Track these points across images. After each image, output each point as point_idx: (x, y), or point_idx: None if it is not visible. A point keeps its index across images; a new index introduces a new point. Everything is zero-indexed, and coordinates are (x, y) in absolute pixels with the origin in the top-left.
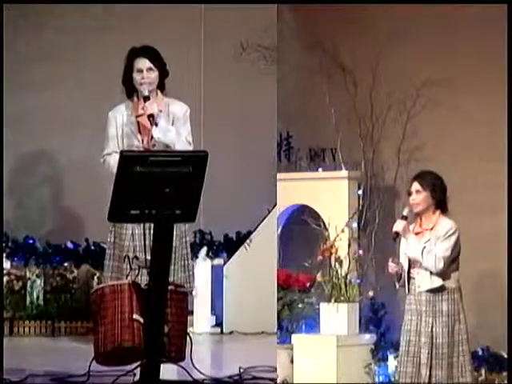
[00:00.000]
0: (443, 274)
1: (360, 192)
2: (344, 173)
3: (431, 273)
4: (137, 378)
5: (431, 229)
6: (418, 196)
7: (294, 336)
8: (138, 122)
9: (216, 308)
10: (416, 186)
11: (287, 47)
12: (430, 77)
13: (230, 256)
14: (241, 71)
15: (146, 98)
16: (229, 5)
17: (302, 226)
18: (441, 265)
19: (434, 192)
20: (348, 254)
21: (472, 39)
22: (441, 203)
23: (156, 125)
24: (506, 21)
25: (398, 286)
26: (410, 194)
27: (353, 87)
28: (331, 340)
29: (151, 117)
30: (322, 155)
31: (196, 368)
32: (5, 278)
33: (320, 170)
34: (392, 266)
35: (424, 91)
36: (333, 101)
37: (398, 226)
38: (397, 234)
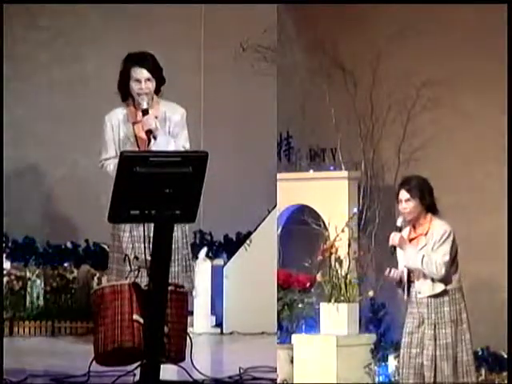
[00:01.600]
0: (445, 279)
1: (360, 192)
2: (344, 173)
3: (432, 279)
4: (137, 378)
5: (426, 233)
6: (408, 204)
7: (293, 336)
8: (136, 136)
9: (216, 308)
10: (404, 194)
11: (287, 47)
12: (429, 77)
13: (230, 256)
14: (241, 71)
15: (145, 112)
16: (229, 5)
17: (302, 226)
18: (442, 271)
19: (423, 198)
20: (348, 253)
21: (472, 39)
22: (431, 207)
23: (155, 138)
24: (506, 21)
25: (400, 291)
26: (398, 201)
27: (353, 87)
28: (331, 340)
29: (149, 132)
30: (322, 155)
31: (196, 368)
32: (5, 278)
33: (320, 170)
34: (392, 277)
35: (424, 91)
36: (333, 101)
37: (394, 238)
38: (394, 247)
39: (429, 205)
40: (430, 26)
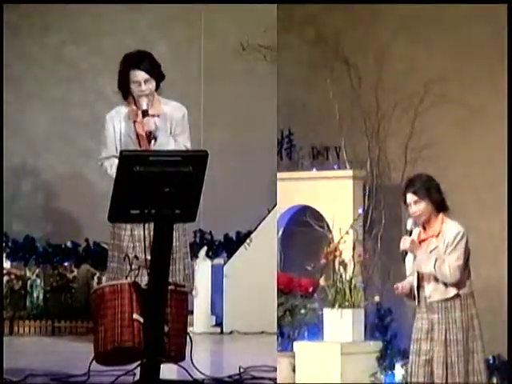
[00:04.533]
0: (458, 284)
1: (365, 192)
2: (349, 172)
3: (445, 284)
4: (137, 377)
5: (437, 235)
6: (418, 206)
7: (295, 343)
8: (137, 134)
9: (216, 308)
10: (412, 196)
11: (289, 41)
12: (438, 72)
13: (230, 256)
14: (241, 71)
15: (145, 113)
16: (229, 5)
17: (305, 228)
18: (457, 275)
19: (431, 197)
20: (353, 257)
21: (482, 33)
22: (440, 204)
23: (155, 139)
24: (507, 21)
25: (410, 300)
26: (407, 205)
27: (357, 82)
28: (335, 348)
29: (150, 133)
30: (325, 153)
31: (196, 368)
32: (5, 278)
33: (323, 169)
34: (400, 291)
35: (432, 87)
36: (337, 96)
37: (405, 243)
38: (405, 252)
39: (438, 203)
40: (437, 20)
